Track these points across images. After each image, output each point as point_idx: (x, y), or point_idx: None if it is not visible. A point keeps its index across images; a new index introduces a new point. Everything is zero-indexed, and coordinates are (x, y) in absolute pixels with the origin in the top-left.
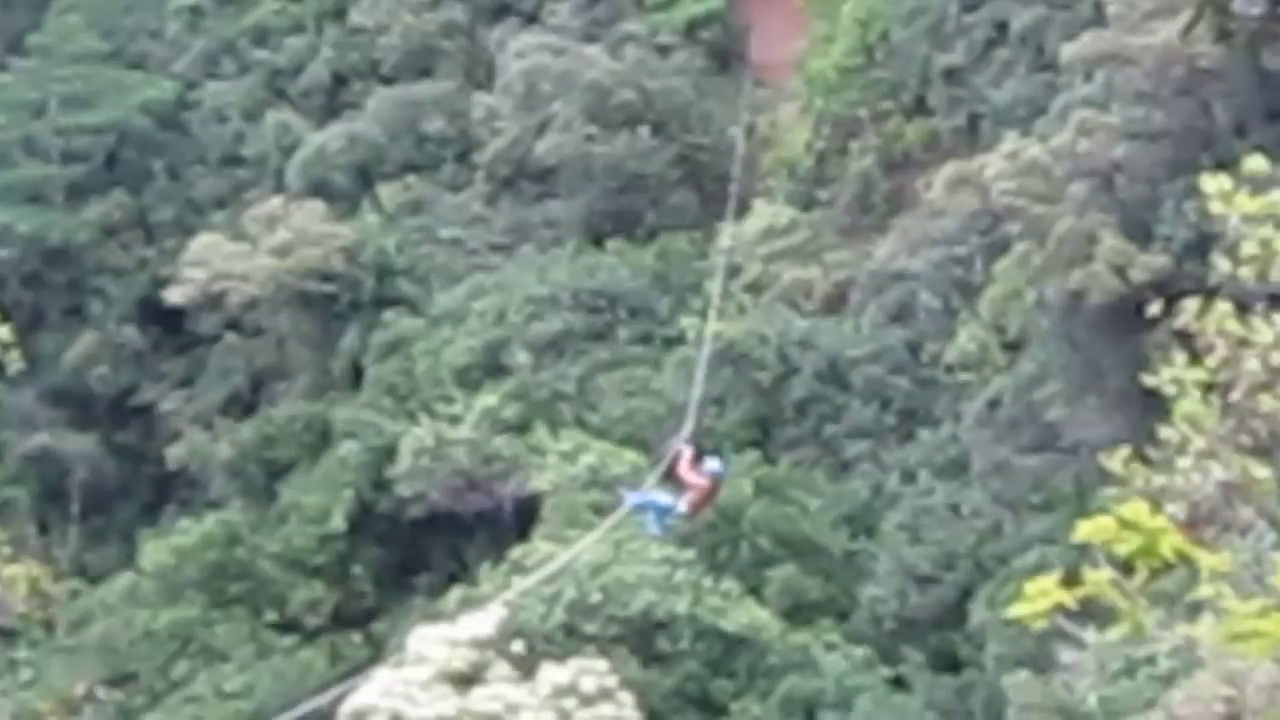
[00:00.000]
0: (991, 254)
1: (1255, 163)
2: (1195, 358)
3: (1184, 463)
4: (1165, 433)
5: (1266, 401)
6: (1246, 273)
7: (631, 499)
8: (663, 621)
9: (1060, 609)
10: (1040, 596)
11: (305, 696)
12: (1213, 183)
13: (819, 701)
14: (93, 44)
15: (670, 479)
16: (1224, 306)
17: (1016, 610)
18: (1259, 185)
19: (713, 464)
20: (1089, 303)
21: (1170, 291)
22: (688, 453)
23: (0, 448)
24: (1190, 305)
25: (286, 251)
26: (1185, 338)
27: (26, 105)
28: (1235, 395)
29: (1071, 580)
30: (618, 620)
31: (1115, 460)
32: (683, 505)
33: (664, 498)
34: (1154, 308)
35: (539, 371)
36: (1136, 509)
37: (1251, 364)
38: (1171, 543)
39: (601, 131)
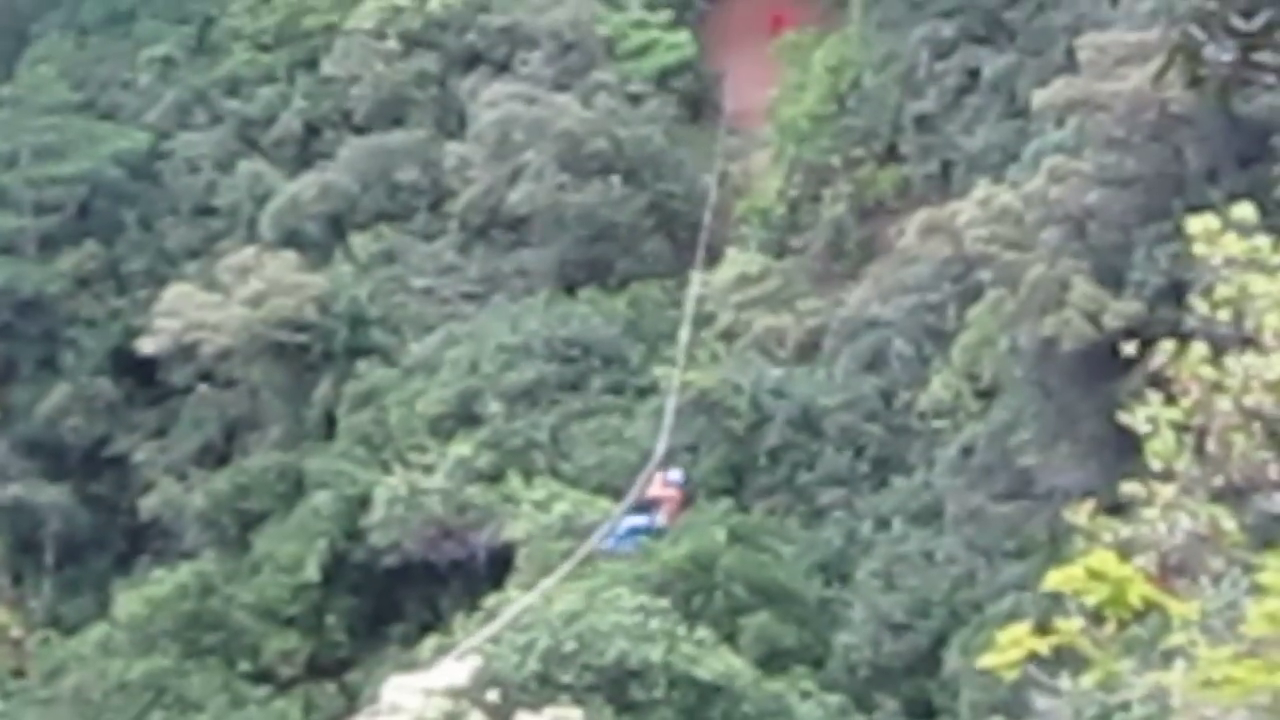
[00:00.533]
0: (964, 301)
1: (1243, 210)
2: (1169, 401)
3: (1151, 513)
4: (1128, 486)
5: (1240, 445)
6: (1223, 316)
7: (611, 543)
8: (637, 670)
9: (1034, 657)
10: (1012, 646)
11: None
12: (1197, 223)
13: None
14: (64, 95)
15: (641, 505)
16: (1199, 348)
17: (989, 660)
18: (1241, 232)
19: (675, 475)
20: (1062, 349)
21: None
22: (658, 475)
23: None
24: (1166, 346)
25: (259, 302)
26: (1159, 383)
27: None
28: (1210, 441)
29: (1045, 628)
30: (592, 669)
31: (1080, 514)
32: (661, 518)
33: (638, 520)
34: (1129, 348)
35: (512, 420)
36: (1104, 559)
37: (1226, 406)
38: (1139, 591)
39: (574, 180)
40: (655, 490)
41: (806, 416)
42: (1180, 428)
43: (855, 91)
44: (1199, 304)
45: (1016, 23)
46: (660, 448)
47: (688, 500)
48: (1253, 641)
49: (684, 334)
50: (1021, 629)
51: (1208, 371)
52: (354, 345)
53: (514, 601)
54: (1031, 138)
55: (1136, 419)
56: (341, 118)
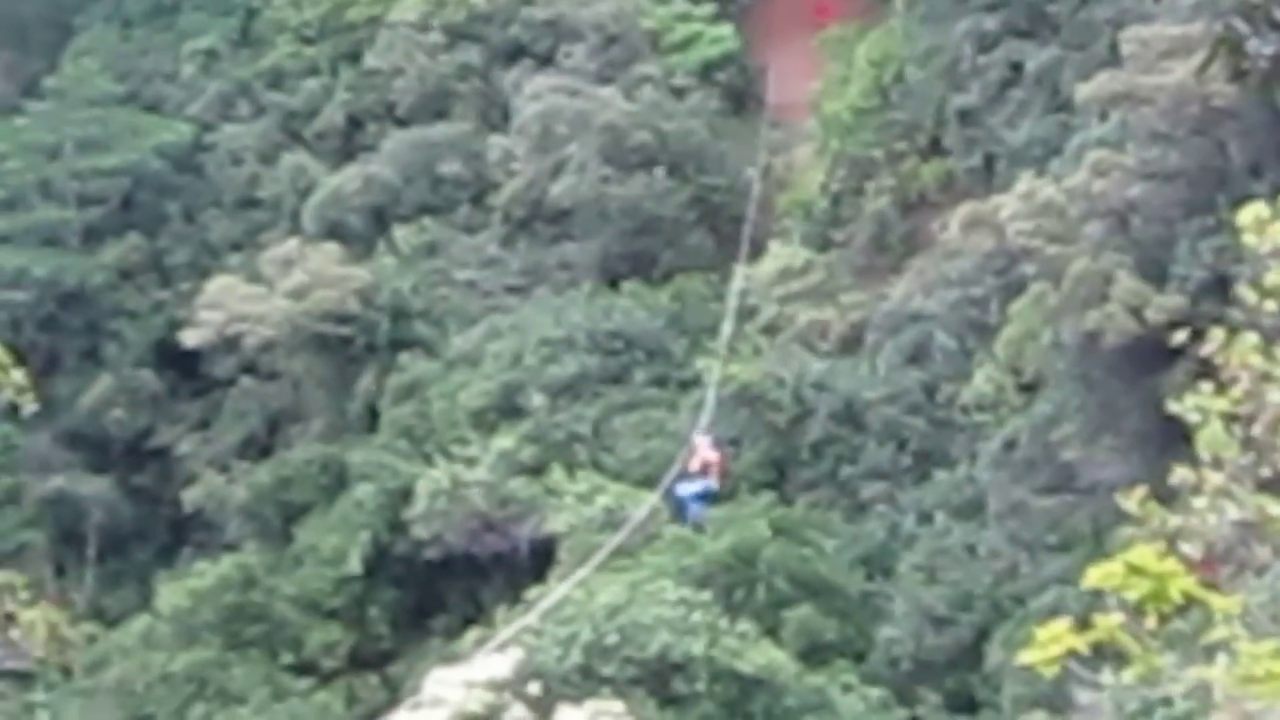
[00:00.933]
0: (1007, 295)
1: None
2: (1221, 388)
3: (1199, 502)
4: (1180, 472)
5: None
6: (1271, 305)
7: (694, 510)
8: (679, 663)
9: (1075, 653)
10: (1052, 642)
11: None
12: (1247, 213)
13: None
14: (108, 87)
15: (687, 472)
16: (1250, 337)
17: (1029, 657)
18: None
19: (708, 439)
20: (1105, 343)
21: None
22: (699, 441)
23: (17, 491)
24: (1216, 334)
25: (302, 294)
26: (1208, 371)
27: (42, 148)
28: (1257, 429)
29: (1088, 623)
30: (634, 662)
31: (1131, 500)
32: (714, 483)
33: (699, 485)
34: (1179, 336)
35: (555, 414)
36: (1144, 554)
37: (1275, 396)
38: (1180, 586)
39: (617, 173)
40: (703, 455)
41: (849, 410)
42: (1229, 418)
43: (898, 85)
44: (1247, 293)
45: (1060, 16)
46: (703, 421)
47: (726, 459)
48: None
49: (727, 327)
50: (1061, 626)
51: (1257, 360)
52: (397, 338)
53: (553, 591)
54: (1075, 131)
55: (1185, 408)
56: (385, 110)
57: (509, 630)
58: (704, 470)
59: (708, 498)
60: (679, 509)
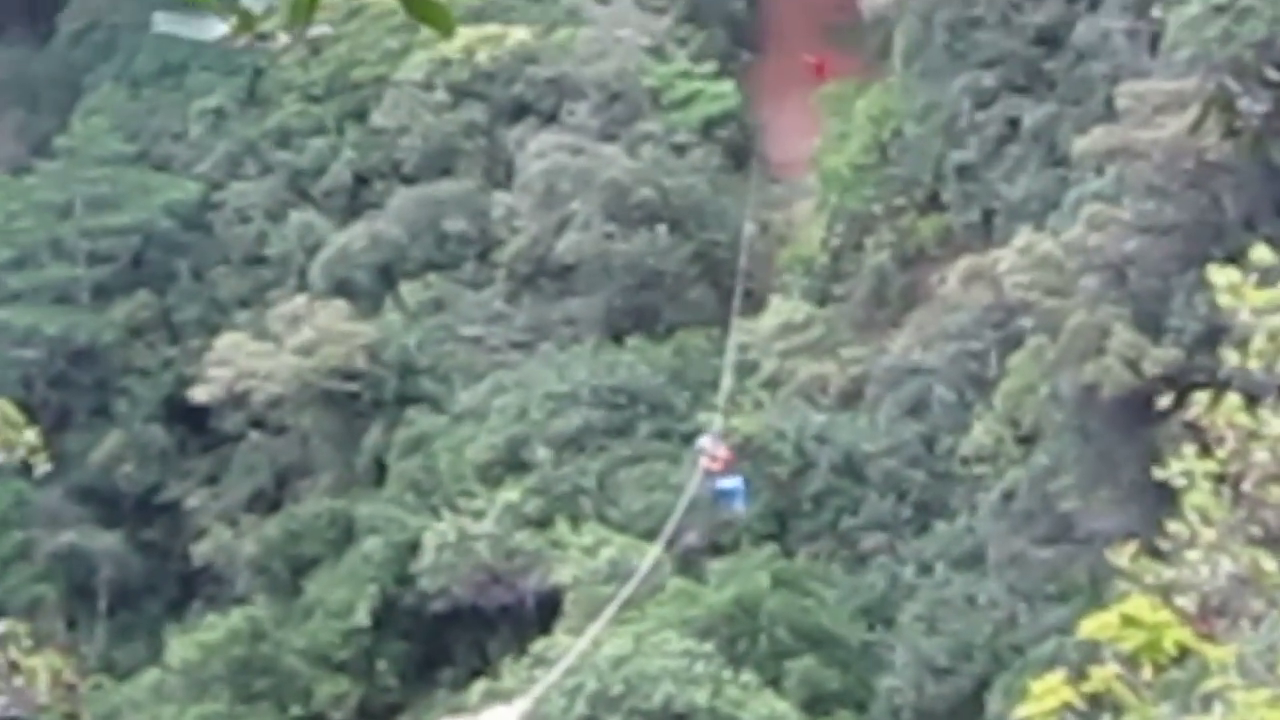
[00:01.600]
0: (1005, 348)
1: (1260, 253)
2: (1206, 449)
3: (1193, 555)
4: (1173, 526)
5: (1276, 493)
6: (1256, 365)
7: (740, 504)
8: (683, 714)
9: (1071, 705)
10: (1047, 695)
11: None
12: (1221, 275)
13: None
14: (117, 146)
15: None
16: (1234, 399)
17: (1024, 710)
18: (1268, 277)
19: (716, 439)
20: (1102, 396)
21: (1183, 384)
22: (707, 444)
23: (28, 546)
24: (1201, 398)
25: (310, 350)
26: (1196, 430)
27: (53, 207)
28: (1246, 486)
29: (1085, 673)
30: (639, 712)
31: (1123, 555)
32: (740, 476)
33: (734, 479)
34: (1164, 400)
35: (560, 467)
36: (1139, 605)
37: (1261, 455)
38: (1175, 636)
39: (620, 229)
40: (720, 454)
41: (850, 462)
42: (1217, 477)
43: (897, 141)
44: (1231, 355)
45: (1056, 73)
46: (707, 436)
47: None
48: None
49: (727, 380)
50: (1056, 679)
51: (1243, 420)
52: (403, 393)
53: (562, 647)
54: (1071, 186)
55: (1171, 473)
56: (391, 168)
57: (536, 688)
58: (725, 467)
59: (747, 486)
60: (725, 500)
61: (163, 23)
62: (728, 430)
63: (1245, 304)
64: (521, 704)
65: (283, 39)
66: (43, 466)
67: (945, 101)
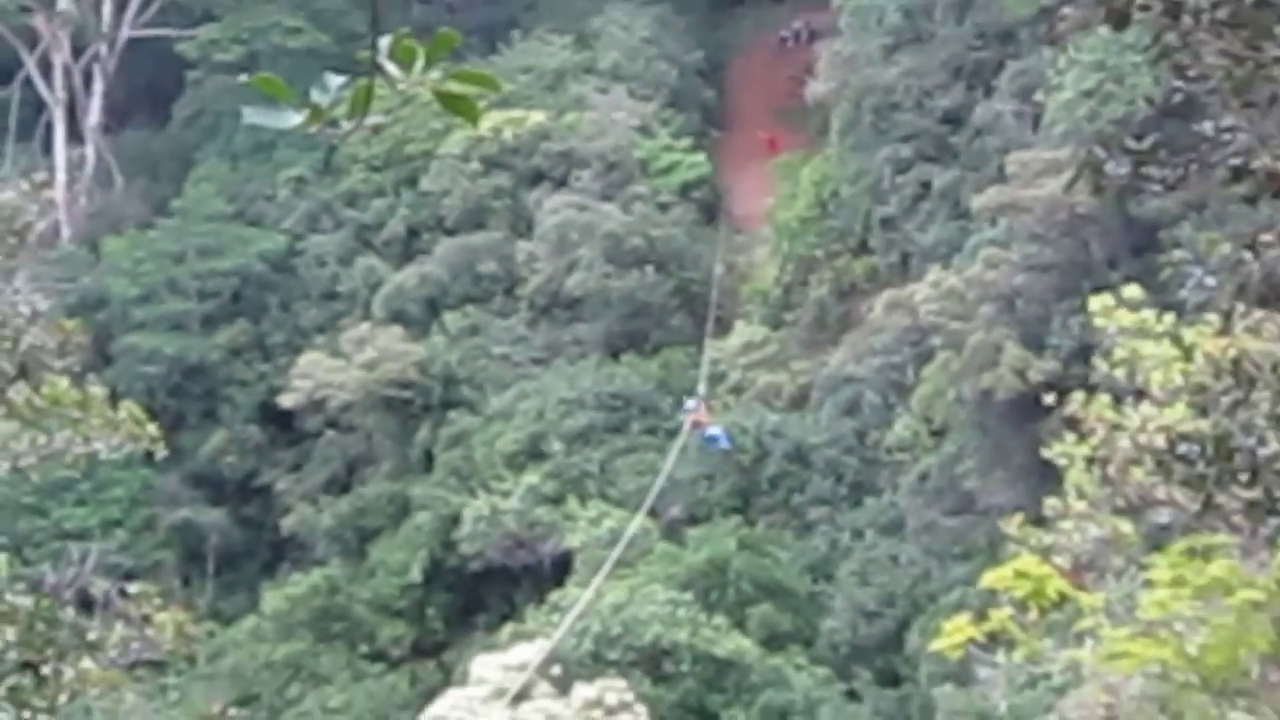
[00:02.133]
0: (920, 361)
1: (1131, 290)
2: (1081, 438)
3: (1066, 524)
4: (1052, 501)
5: (1136, 473)
6: (1119, 373)
7: (724, 442)
8: (668, 649)
9: (975, 639)
10: (956, 632)
11: (391, 711)
12: (1096, 301)
13: (791, 711)
14: (221, 207)
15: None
16: (1102, 399)
17: (939, 644)
18: (1131, 306)
19: (695, 401)
20: (997, 398)
21: (1061, 388)
22: (694, 406)
23: (152, 520)
24: (1078, 396)
25: (373, 366)
26: (1073, 423)
27: (170, 255)
28: (1111, 469)
29: (984, 616)
30: (633, 648)
31: (1011, 525)
32: (715, 428)
33: (716, 428)
34: (1049, 399)
35: (570, 456)
36: (1027, 562)
37: (1124, 443)
38: (1056, 586)
39: (616, 270)
40: (698, 416)
41: (798, 452)
42: (1089, 460)
43: (834, 199)
44: (1101, 364)
45: (960, 145)
46: (692, 400)
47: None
48: (1146, 624)
49: (701, 388)
50: (963, 620)
51: (1109, 415)
52: (447, 399)
53: (572, 597)
54: (971, 234)
55: (1056, 454)
56: (436, 223)
57: (557, 632)
58: (704, 420)
59: (719, 440)
60: (713, 443)
61: (251, 115)
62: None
63: (1116, 324)
64: (542, 642)
65: (346, 125)
66: (161, 454)
67: (872, 168)
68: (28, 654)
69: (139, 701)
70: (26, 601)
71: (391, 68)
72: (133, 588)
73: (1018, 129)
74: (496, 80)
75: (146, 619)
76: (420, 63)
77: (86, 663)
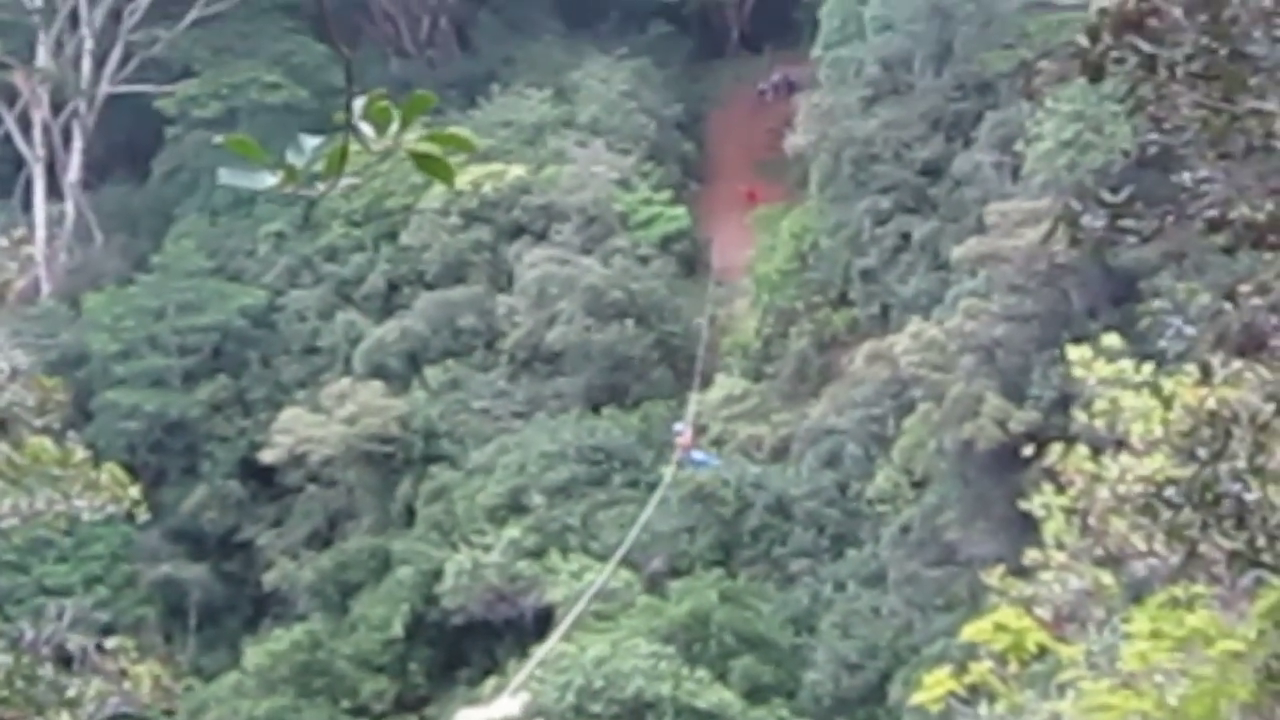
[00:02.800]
0: (901, 412)
1: (1109, 339)
2: (1060, 489)
3: (1047, 576)
4: (1033, 553)
5: (1115, 523)
6: (1098, 423)
7: (700, 456)
8: (651, 702)
9: (955, 692)
10: (936, 685)
11: None
12: (1075, 352)
13: None
14: (201, 262)
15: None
16: (1081, 450)
17: (919, 697)
18: (1110, 356)
19: (683, 425)
20: (978, 448)
21: (1041, 439)
22: (682, 431)
23: (134, 576)
24: (1056, 449)
25: (354, 421)
26: (1052, 474)
27: (150, 311)
28: (1091, 519)
29: (965, 668)
30: (616, 701)
31: (993, 576)
32: (700, 453)
33: (701, 453)
34: (1027, 451)
35: (552, 510)
36: (1007, 615)
37: (1103, 494)
38: (1036, 638)
39: (597, 323)
40: (684, 440)
41: (780, 503)
42: (1068, 511)
43: (814, 252)
44: (1080, 416)
45: (939, 196)
46: (680, 424)
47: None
48: (1127, 675)
49: (689, 414)
50: (943, 673)
51: (1089, 466)
52: (428, 453)
53: (555, 651)
54: (951, 285)
55: (1034, 506)
56: (416, 277)
57: (520, 676)
58: (691, 444)
59: (704, 463)
60: (697, 465)
61: (226, 176)
62: (683, 482)
63: (1094, 375)
64: (523, 696)
65: (320, 187)
66: (143, 514)
67: (851, 220)
68: (6, 711)
69: None
70: (5, 658)
71: (366, 128)
72: (110, 642)
73: (997, 180)
74: (470, 141)
75: (124, 673)
76: (395, 124)
77: (65, 718)
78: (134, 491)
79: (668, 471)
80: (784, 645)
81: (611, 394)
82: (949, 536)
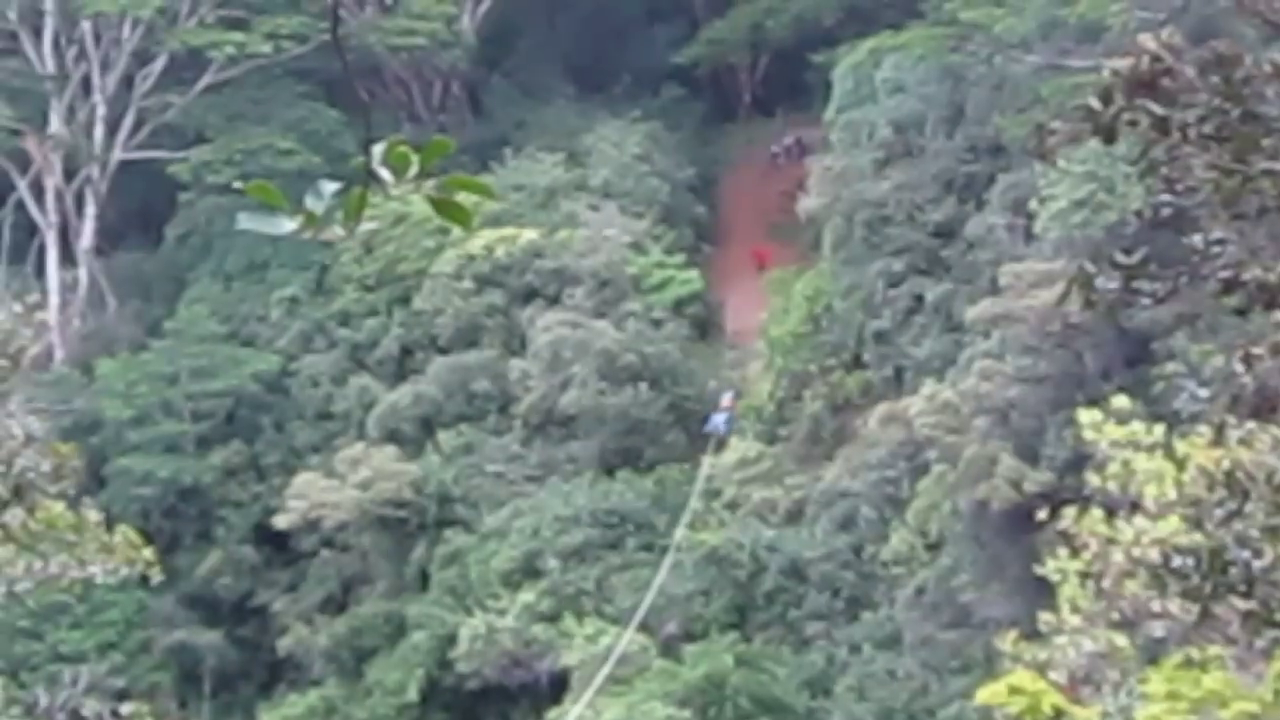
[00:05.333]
0: (915, 475)
1: (1120, 400)
2: (1075, 552)
3: (1061, 640)
4: (1046, 616)
5: (1129, 586)
6: (1112, 485)
7: (723, 429)
8: None
9: None
10: None
11: None
12: (1086, 415)
13: None
14: (214, 328)
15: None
16: (1095, 513)
17: None
18: (1122, 417)
19: (729, 396)
20: (992, 510)
21: (1055, 500)
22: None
23: (148, 642)
24: (1070, 512)
25: (368, 485)
26: (1067, 537)
27: (163, 376)
28: (1106, 582)
29: None
30: None
31: (1007, 641)
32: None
33: (724, 415)
34: (1041, 513)
35: (566, 574)
36: (1022, 678)
37: (1118, 557)
38: (1051, 701)
39: (610, 387)
40: (727, 403)
41: (794, 566)
42: (1083, 574)
43: (828, 314)
44: (1094, 478)
45: (952, 258)
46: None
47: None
48: None
49: (695, 503)
50: None
51: (1103, 529)
52: (442, 518)
53: (570, 716)
54: (965, 347)
55: (1049, 570)
56: (430, 341)
57: None
58: (729, 407)
59: (731, 421)
60: (716, 429)
61: (245, 221)
62: (696, 545)
63: (1105, 438)
64: None
65: (339, 232)
66: (157, 578)
67: (864, 282)
68: None
69: None
70: None
71: (385, 174)
72: (125, 709)
73: (1010, 241)
74: (491, 188)
75: None
76: (414, 169)
77: None
78: (148, 553)
79: (678, 532)
80: (800, 709)
81: (625, 457)
82: (964, 599)
